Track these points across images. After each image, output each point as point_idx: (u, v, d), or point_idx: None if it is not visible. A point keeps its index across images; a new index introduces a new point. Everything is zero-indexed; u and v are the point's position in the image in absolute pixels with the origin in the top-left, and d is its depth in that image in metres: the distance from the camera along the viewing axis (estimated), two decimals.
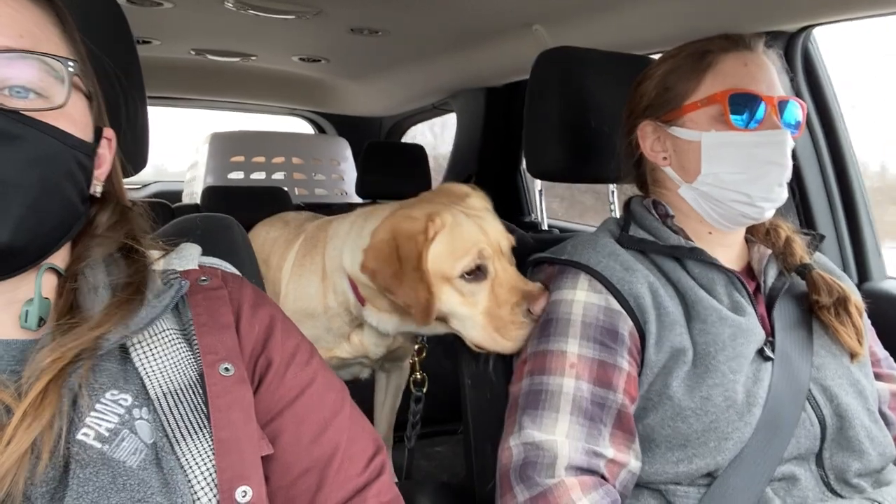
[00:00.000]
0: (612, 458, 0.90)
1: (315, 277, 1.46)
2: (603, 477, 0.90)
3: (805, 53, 1.48)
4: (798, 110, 1.03)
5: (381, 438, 1.66)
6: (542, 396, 0.93)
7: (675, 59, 1.07)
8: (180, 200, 3.18)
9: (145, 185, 3.75)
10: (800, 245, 1.08)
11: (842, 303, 1.03)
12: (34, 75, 0.62)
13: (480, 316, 1.14)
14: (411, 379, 1.42)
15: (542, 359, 0.97)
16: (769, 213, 1.03)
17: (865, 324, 1.08)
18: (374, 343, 1.44)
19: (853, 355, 1.01)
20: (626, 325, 0.96)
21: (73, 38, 0.70)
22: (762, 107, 0.98)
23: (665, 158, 1.06)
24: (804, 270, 1.06)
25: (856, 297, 1.06)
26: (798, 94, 1.47)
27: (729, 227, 1.05)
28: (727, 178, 1.00)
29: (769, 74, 1.02)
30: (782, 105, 1.00)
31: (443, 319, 1.20)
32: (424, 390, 1.40)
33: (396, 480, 1.55)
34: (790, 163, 1.00)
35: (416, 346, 1.40)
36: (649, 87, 1.08)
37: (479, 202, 1.28)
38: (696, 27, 1.46)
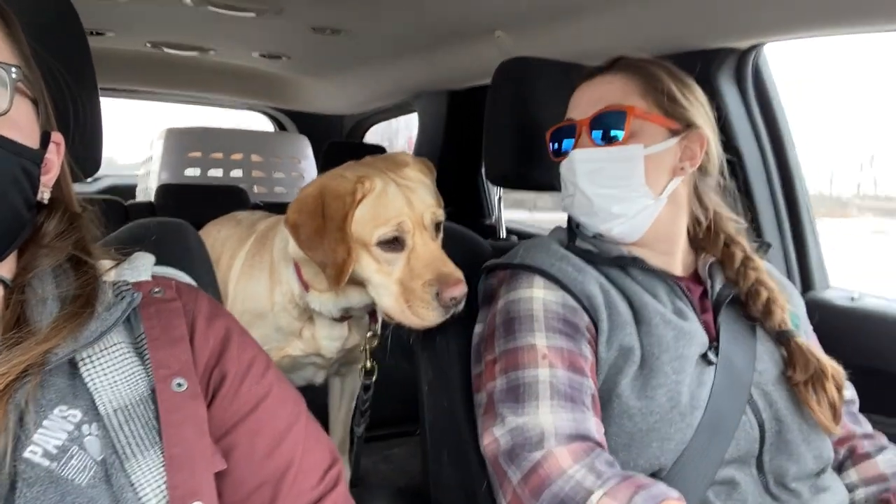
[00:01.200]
0: (598, 440, 0.92)
1: (264, 275, 1.44)
2: (597, 443, 0.90)
3: (755, 70, 1.52)
4: (615, 117, 1.03)
5: (338, 444, 1.66)
6: (521, 389, 0.94)
7: None
8: (134, 196, 3.10)
9: (97, 179, 3.65)
10: (780, 307, 1.06)
11: (818, 378, 1.01)
12: None
13: (393, 286, 1.15)
14: (361, 368, 1.39)
15: (513, 355, 0.97)
16: (605, 226, 1.05)
17: (814, 343, 1.11)
18: (326, 336, 1.42)
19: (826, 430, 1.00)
20: (583, 320, 0.99)
21: (18, 41, 0.68)
22: (573, 131, 1.07)
23: None
24: (784, 338, 1.05)
25: (834, 370, 1.02)
26: (748, 110, 1.53)
27: (620, 240, 1.08)
28: (566, 201, 1.10)
29: (590, 96, 1.07)
30: (596, 120, 1.04)
31: (362, 284, 1.21)
32: (374, 378, 1.39)
33: (355, 487, 1.55)
34: (586, 175, 1.04)
35: (369, 334, 1.38)
36: None
37: (415, 173, 1.27)
38: (650, 40, 1.50)
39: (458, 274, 1.11)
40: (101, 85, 0.93)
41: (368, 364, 1.38)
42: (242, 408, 0.71)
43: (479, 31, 1.89)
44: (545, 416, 0.91)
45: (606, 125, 1.04)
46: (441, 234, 1.23)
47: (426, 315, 1.10)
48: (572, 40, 1.71)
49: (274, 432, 0.72)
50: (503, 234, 1.93)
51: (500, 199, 1.95)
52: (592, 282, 1.01)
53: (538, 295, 1.00)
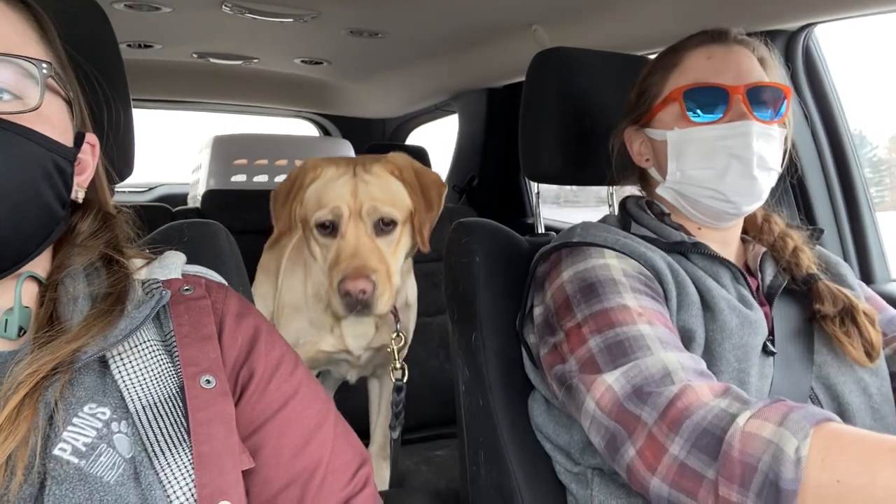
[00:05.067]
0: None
1: (299, 268, 1.51)
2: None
3: (806, 52, 1.45)
4: (777, 93, 1.00)
5: (378, 448, 1.66)
6: (626, 343, 0.83)
7: (653, 62, 1.09)
8: (186, 203, 3.19)
9: (151, 189, 3.76)
10: (807, 255, 1.05)
11: (847, 313, 0.98)
12: (9, 77, 0.62)
13: (326, 267, 1.26)
14: (392, 369, 1.42)
15: (603, 316, 0.87)
16: (747, 208, 1.00)
17: (874, 302, 1.06)
18: (351, 334, 1.45)
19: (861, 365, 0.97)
20: (660, 291, 0.94)
21: (51, 43, 0.70)
22: (726, 98, 0.97)
23: (647, 160, 1.08)
24: (811, 281, 1.02)
25: (864, 305, 1.01)
26: (798, 93, 1.46)
27: (713, 224, 1.04)
28: (694, 174, 0.99)
29: (738, 64, 0.99)
30: (753, 92, 0.97)
31: None
32: (405, 380, 1.41)
33: (393, 488, 1.55)
34: (758, 151, 0.96)
35: (393, 335, 1.42)
36: (632, 93, 1.10)
37: (380, 169, 1.34)
38: (695, 26, 1.44)
39: (367, 271, 1.17)
40: (150, 96, 0.96)
41: (398, 364, 1.40)
42: (270, 406, 0.71)
43: (516, 26, 1.87)
44: (665, 354, 0.81)
45: (772, 100, 0.99)
46: (392, 235, 1.29)
47: (333, 303, 1.19)
48: (611, 30, 1.67)
49: (302, 431, 0.71)
50: (541, 229, 1.90)
51: (537, 194, 1.92)
52: (660, 259, 0.96)
53: (613, 263, 0.93)
